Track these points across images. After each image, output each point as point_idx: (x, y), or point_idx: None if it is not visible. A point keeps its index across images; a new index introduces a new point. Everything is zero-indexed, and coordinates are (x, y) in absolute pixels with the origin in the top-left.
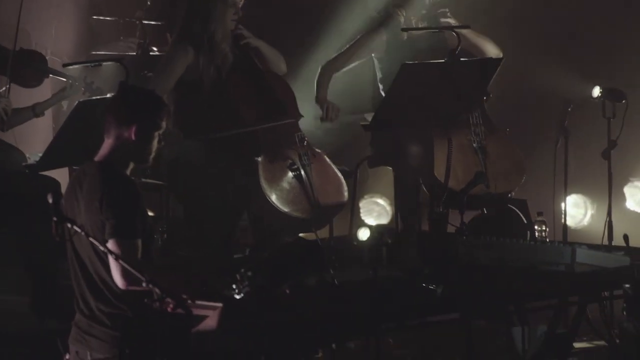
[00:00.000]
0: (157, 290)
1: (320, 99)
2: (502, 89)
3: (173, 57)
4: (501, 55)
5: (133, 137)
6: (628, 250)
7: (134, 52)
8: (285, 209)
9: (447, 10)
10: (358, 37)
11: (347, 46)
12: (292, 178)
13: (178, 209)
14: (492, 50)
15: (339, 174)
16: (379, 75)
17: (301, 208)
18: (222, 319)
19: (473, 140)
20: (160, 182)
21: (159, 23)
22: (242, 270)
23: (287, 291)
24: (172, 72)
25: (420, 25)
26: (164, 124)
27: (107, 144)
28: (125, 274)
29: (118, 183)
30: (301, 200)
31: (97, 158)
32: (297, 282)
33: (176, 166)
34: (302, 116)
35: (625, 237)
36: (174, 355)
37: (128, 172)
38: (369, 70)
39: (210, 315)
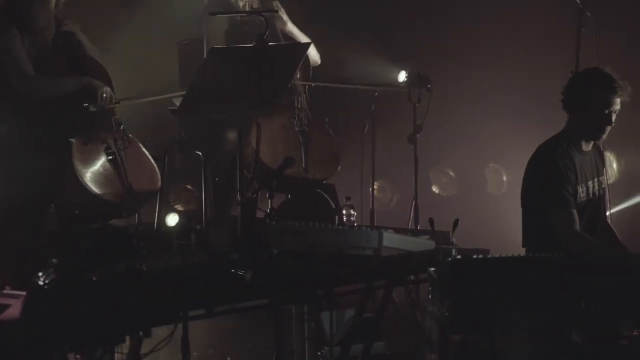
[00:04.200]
0: None
1: None
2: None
3: (10, 44)
4: (319, 62)
5: None
6: (433, 233)
7: None
8: (97, 191)
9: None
10: (206, 33)
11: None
12: (107, 162)
13: None
14: (314, 55)
15: (152, 161)
16: None
17: (114, 192)
18: (26, 307)
19: (296, 124)
20: None
21: None
22: (48, 257)
23: (94, 278)
24: (22, 57)
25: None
26: None
27: None
28: None
29: None
30: (114, 184)
31: None
32: (104, 269)
33: None
34: (119, 102)
35: (431, 221)
36: None
37: None
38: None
39: (13, 304)
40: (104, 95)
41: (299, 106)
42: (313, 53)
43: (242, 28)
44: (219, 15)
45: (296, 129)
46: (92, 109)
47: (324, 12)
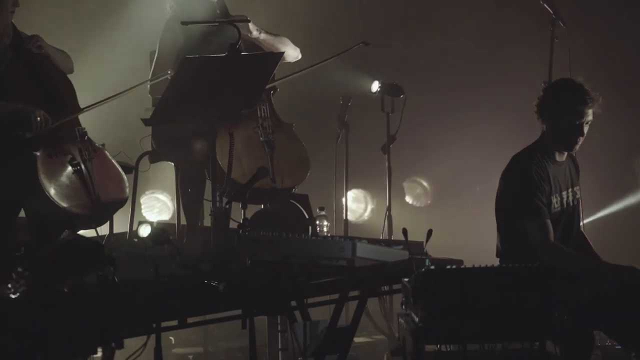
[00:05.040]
0: None
1: None
2: (282, 83)
3: None
4: (300, 56)
5: None
6: (407, 244)
7: None
8: (64, 205)
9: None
10: (158, 44)
11: (155, 58)
12: (72, 173)
13: None
14: (291, 53)
15: (120, 170)
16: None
17: (81, 204)
18: None
19: (260, 133)
20: None
21: None
22: (19, 268)
23: (66, 290)
24: None
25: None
26: None
27: None
28: None
29: None
30: (81, 196)
31: None
32: (76, 280)
33: None
34: (82, 110)
35: (404, 231)
36: None
37: None
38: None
39: None
40: (38, 119)
41: (263, 115)
42: (290, 52)
43: (200, 43)
44: (171, 31)
45: (261, 138)
46: (28, 135)
47: (296, 20)
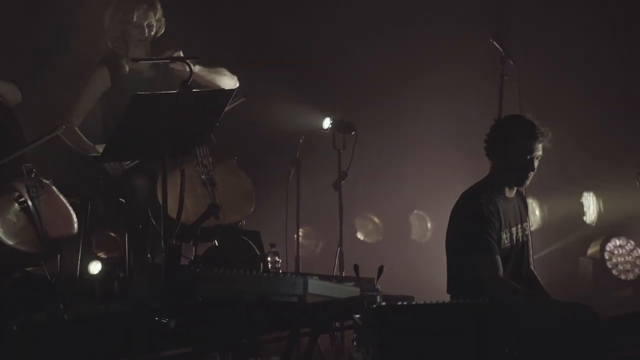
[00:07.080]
0: None
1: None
2: (232, 120)
3: None
4: (237, 84)
5: None
6: (358, 280)
7: None
8: (10, 242)
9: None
10: (85, 82)
11: (80, 95)
12: (19, 211)
13: None
14: (227, 82)
15: (68, 206)
16: (104, 108)
17: (28, 241)
18: None
19: (201, 171)
20: None
21: None
22: None
23: (15, 327)
24: None
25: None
26: None
27: None
28: None
29: None
30: (28, 233)
31: None
32: (25, 318)
33: None
34: (27, 146)
35: (356, 268)
36: None
37: None
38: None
39: None
40: None
41: (202, 153)
42: (226, 81)
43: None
44: (100, 74)
45: (202, 176)
46: None
47: (248, 58)
